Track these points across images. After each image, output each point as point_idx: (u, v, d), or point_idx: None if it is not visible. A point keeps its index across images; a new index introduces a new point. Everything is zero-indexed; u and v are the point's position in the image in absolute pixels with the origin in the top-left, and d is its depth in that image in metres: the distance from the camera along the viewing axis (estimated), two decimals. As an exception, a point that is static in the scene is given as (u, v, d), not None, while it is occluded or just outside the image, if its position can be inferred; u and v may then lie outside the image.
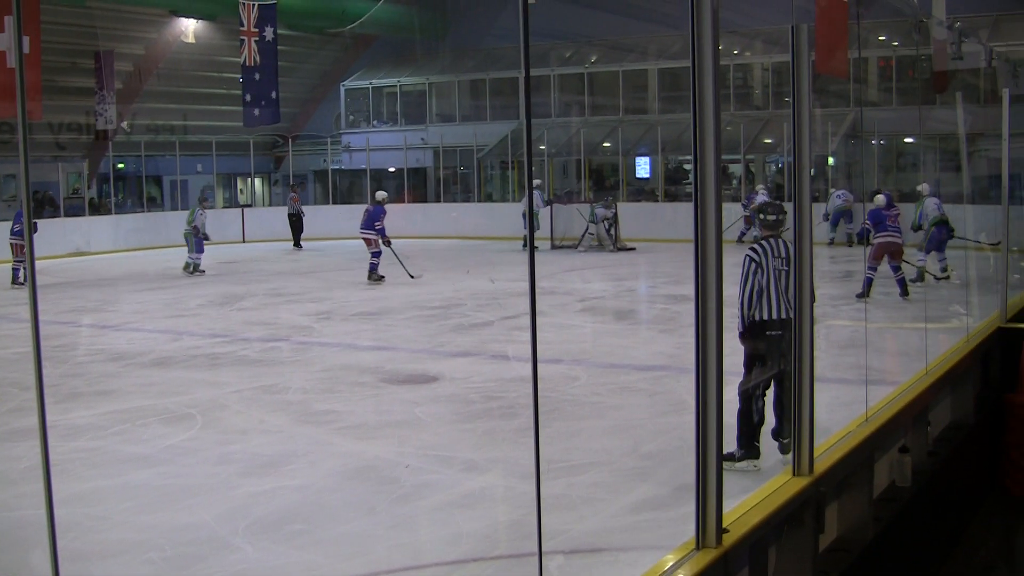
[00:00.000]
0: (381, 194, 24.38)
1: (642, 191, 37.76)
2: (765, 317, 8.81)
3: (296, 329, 17.37)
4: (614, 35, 39.20)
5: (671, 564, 5.77)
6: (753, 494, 6.78)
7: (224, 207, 41.82)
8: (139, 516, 8.24)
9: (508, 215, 33.42)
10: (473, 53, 42.67)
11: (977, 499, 12.35)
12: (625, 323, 18.16)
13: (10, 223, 25.77)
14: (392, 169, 42.30)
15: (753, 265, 8.81)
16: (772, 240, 8.94)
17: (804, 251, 7.01)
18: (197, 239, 25.85)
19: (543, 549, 5.76)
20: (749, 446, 8.82)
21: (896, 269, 17.89)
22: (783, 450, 8.74)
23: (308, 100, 46.02)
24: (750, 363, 9.01)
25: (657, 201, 36.30)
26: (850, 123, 32.82)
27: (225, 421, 11.19)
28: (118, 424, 11.03)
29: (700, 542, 5.80)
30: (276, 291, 22.17)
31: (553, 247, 30.76)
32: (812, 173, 7.25)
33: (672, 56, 37.82)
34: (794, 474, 7.07)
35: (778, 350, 8.81)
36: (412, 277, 23.00)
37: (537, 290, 5.73)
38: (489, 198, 40.60)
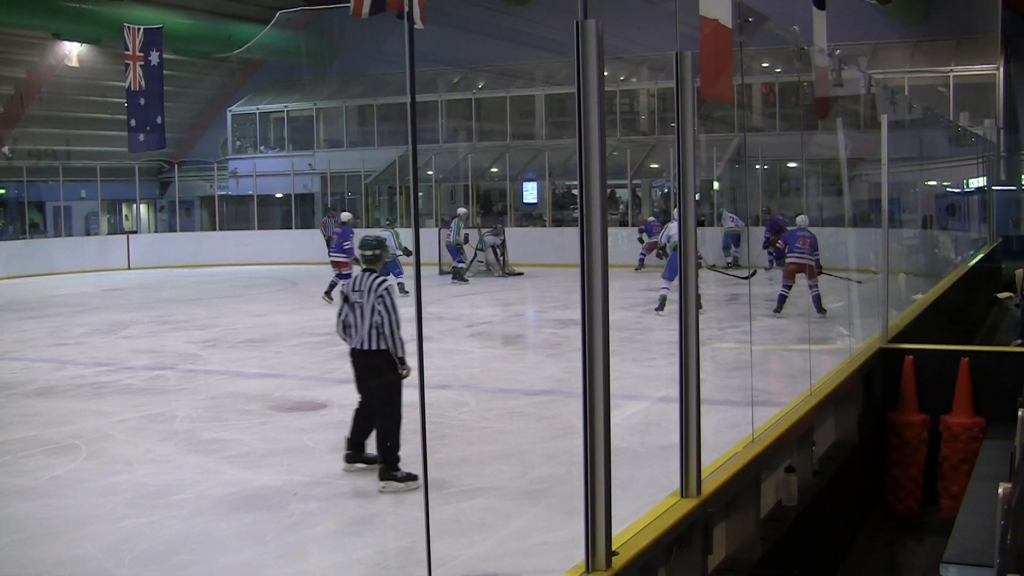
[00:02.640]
0: (347, 215, 24.27)
1: (530, 216, 37.93)
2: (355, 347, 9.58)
3: (182, 357, 17.17)
4: (501, 61, 39.43)
5: (561, 588, 5.78)
6: (642, 516, 6.81)
7: (109, 233, 41.29)
8: (23, 550, 8.07)
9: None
10: (360, 79, 42.63)
11: (861, 516, 12.55)
12: (513, 348, 18.20)
13: None
14: (279, 195, 42.07)
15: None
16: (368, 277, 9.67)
17: (689, 273, 7.07)
18: None
19: (433, 575, 5.74)
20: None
21: (813, 287, 18.82)
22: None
23: (194, 125, 45.64)
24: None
25: (545, 226, 36.50)
26: (735, 148, 33.28)
27: (110, 451, 11.01)
28: (0, 456, 10.81)
29: (590, 565, 5.82)
30: (162, 318, 21.89)
31: (441, 272, 30.75)
32: (697, 198, 7.33)
33: (559, 82, 38.11)
34: (682, 496, 7.12)
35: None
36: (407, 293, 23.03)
37: (425, 316, 5.73)
38: (377, 224, 40.53)
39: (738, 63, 9.04)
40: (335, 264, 23.25)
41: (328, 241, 33.96)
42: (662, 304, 19.42)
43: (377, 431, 9.49)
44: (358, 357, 9.58)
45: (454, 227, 29.49)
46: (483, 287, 27.17)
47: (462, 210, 31.19)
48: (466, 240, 29.30)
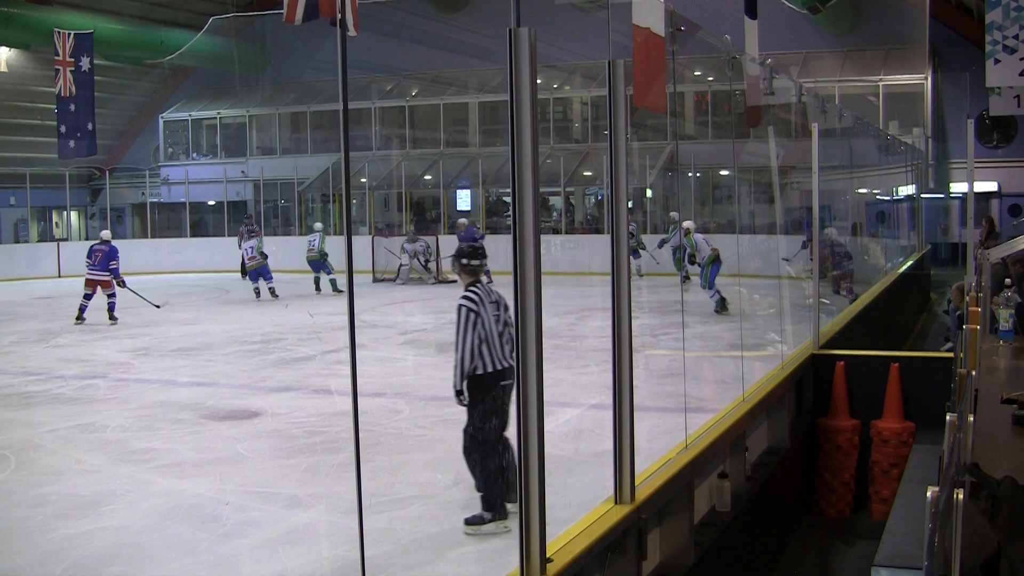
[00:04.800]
0: (107, 233, 23.55)
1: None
2: (496, 367, 8.49)
3: (113, 366, 17.02)
4: (435, 69, 39.45)
5: (496, 595, 5.79)
6: (576, 523, 6.83)
7: (39, 241, 40.85)
8: (-52, 562, 7.98)
9: (330, 247, 33.21)
10: (293, 86, 42.47)
11: (793, 521, 12.64)
12: (447, 355, 18.10)
13: None
14: (212, 202, 41.84)
15: (472, 316, 8.42)
16: (480, 287, 8.67)
17: (622, 282, 7.09)
18: None
19: (367, 584, 5.73)
20: (498, 506, 8.45)
21: None
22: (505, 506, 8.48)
23: (126, 132, 45.28)
24: (481, 417, 8.57)
25: (480, 232, 36.52)
26: (667, 156, 33.46)
27: (40, 462, 10.90)
28: (-75, 467, 10.68)
29: (524, 572, 5.82)
30: (93, 327, 21.68)
31: (375, 280, 30.70)
32: (630, 205, 7.35)
33: (492, 90, 38.19)
34: (616, 502, 7.14)
35: (505, 402, 8.54)
36: (157, 307, 22.79)
37: (358, 323, 5.72)
38: (310, 231, 40.38)
39: (671, 72, 9.08)
40: (100, 284, 22.36)
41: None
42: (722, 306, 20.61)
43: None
44: (500, 377, 8.54)
45: (315, 241, 29.76)
46: (416, 294, 27.13)
47: (318, 225, 31.71)
48: (324, 257, 29.48)
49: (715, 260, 20.99)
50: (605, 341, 7.50)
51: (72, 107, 26.64)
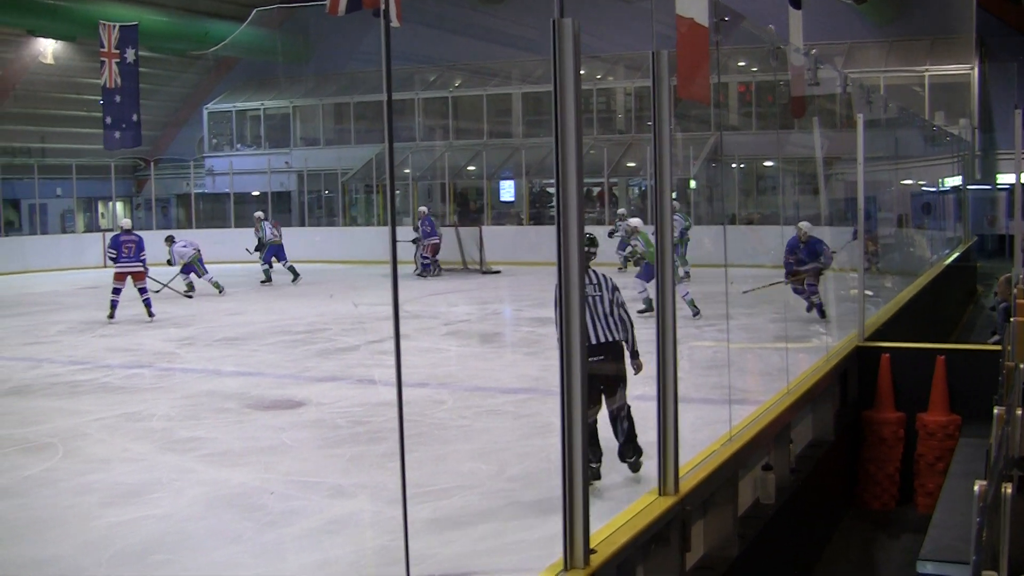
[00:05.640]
0: (127, 222, 22.78)
1: (506, 214, 37.91)
2: (592, 341, 8.90)
3: (159, 355, 17.12)
4: (478, 60, 39.40)
5: (539, 586, 5.79)
6: (620, 514, 6.82)
7: (85, 231, 41.15)
8: (-4, 549, 8.06)
9: (372, 239, 33.27)
10: (337, 77, 42.55)
11: (837, 513, 12.59)
12: (490, 346, 18.19)
13: None
14: (256, 193, 41.96)
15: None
16: (590, 271, 9.01)
17: (666, 272, 7.08)
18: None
19: (411, 574, 5.74)
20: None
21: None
22: (634, 468, 9.03)
23: (170, 123, 45.50)
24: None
25: (521, 224, 36.49)
26: (711, 147, 33.31)
27: (86, 450, 10.98)
28: (-26, 455, 10.78)
29: (568, 563, 5.82)
30: (139, 317, 21.80)
31: (416, 273, 30.79)
32: (674, 196, 7.34)
33: (535, 80, 38.12)
34: (660, 493, 7.13)
35: (602, 374, 8.94)
36: (189, 296, 22.71)
37: (402, 314, 5.73)
38: (354, 222, 40.47)
39: (714, 62, 9.05)
40: (132, 275, 21.43)
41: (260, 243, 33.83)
42: (650, 305, 19.39)
43: (629, 420, 9.23)
44: (596, 351, 8.99)
45: (266, 229, 29.73)
46: (459, 285, 27.16)
47: (259, 213, 31.48)
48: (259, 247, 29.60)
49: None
50: (649, 332, 7.49)
51: (117, 98, 26.75)
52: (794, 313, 18.35)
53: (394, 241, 6.37)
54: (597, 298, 9.00)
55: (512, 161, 37.70)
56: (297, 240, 37.24)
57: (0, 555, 7.93)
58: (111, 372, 15.64)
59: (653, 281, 19.17)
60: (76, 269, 35.41)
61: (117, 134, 26.70)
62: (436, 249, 30.06)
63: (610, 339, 9.01)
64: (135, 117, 26.92)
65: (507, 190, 38.52)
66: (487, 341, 18.72)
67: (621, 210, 30.76)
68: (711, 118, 31.27)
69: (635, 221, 20.67)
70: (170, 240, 26.26)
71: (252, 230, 31.73)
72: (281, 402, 13.07)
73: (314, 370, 15.49)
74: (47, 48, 38.20)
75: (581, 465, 5.70)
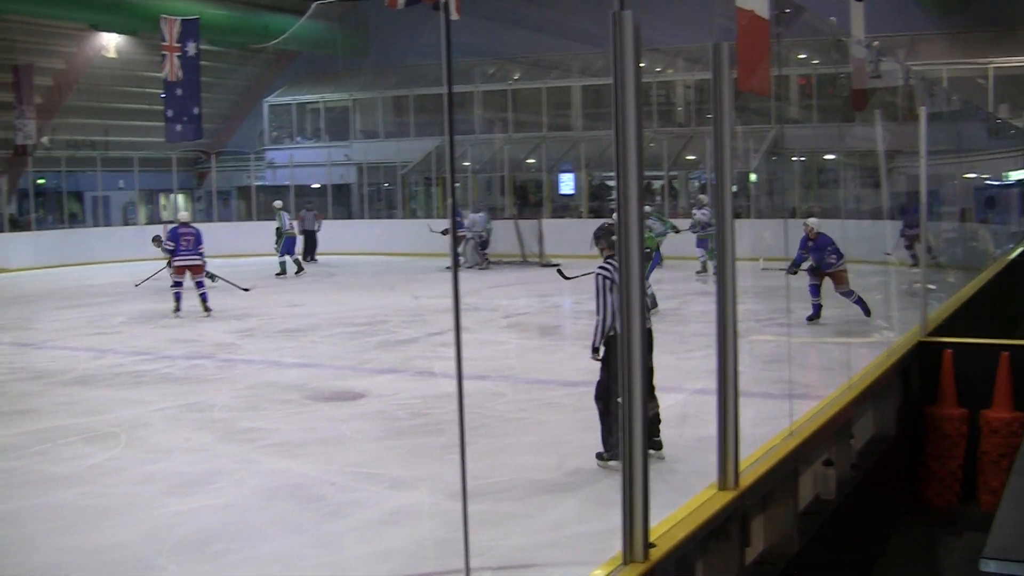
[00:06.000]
0: (185, 214, 22.70)
1: (566, 207, 37.86)
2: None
3: (220, 346, 17.25)
4: (537, 52, 39.35)
5: (598, 579, 5.77)
6: (679, 508, 6.80)
7: (147, 223, 41.50)
8: (61, 537, 8.14)
9: (432, 232, 33.29)
10: (396, 70, 42.64)
11: (899, 510, 12.49)
12: (550, 339, 18.18)
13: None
14: (316, 185, 42.16)
15: (608, 283, 9.49)
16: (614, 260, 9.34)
17: (727, 266, 7.05)
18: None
19: (470, 566, 5.75)
20: (615, 446, 9.24)
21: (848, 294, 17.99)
22: (655, 446, 9.67)
23: (230, 116, 45.80)
24: (611, 373, 9.46)
25: (581, 217, 36.42)
26: (771, 140, 33.12)
27: (149, 440, 11.09)
28: (39, 443, 10.90)
29: (627, 557, 5.81)
30: (199, 308, 21.97)
31: (468, 266, 30.82)
32: (734, 189, 7.30)
33: (595, 73, 38.04)
34: (720, 488, 7.10)
35: None
36: (247, 290, 22.60)
37: (462, 306, 5.74)
38: (413, 215, 40.57)
39: (775, 54, 8.99)
40: (190, 268, 21.31)
41: (306, 236, 34.06)
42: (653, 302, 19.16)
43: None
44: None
45: (284, 220, 30.26)
46: (518, 278, 27.17)
47: (278, 203, 32.01)
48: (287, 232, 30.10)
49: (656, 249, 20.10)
50: (709, 326, 7.46)
51: (179, 92, 27.00)
52: (855, 308, 18.19)
53: (454, 234, 6.39)
54: None
55: (571, 154, 37.66)
56: (357, 233, 37.46)
57: (65, 542, 8.02)
58: (173, 363, 15.78)
59: (652, 276, 19.18)
60: (138, 261, 35.66)
61: (178, 127, 26.96)
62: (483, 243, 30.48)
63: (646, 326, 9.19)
64: (196, 110, 27.16)
65: (566, 183, 38.48)
66: (547, 334, 18.70)
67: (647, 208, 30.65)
68: (771, 111, 31.10)
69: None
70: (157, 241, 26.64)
71: (297, 220, 32.27)
72: (341, 393, 13.14)
73: (374, 362, 15.56)
74: (110, 42, 38.54)
75: (641, 458, 5.68)
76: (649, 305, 18.76)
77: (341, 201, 42.00)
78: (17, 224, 37.37)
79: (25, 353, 17.36)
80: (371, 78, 43.34)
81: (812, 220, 17.94)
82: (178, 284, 20.99)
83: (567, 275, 18.99)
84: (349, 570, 7.43)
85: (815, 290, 17.93)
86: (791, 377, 9.80)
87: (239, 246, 35.26)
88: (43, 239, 35.07)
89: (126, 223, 41.55)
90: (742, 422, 7.15)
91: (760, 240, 26.96)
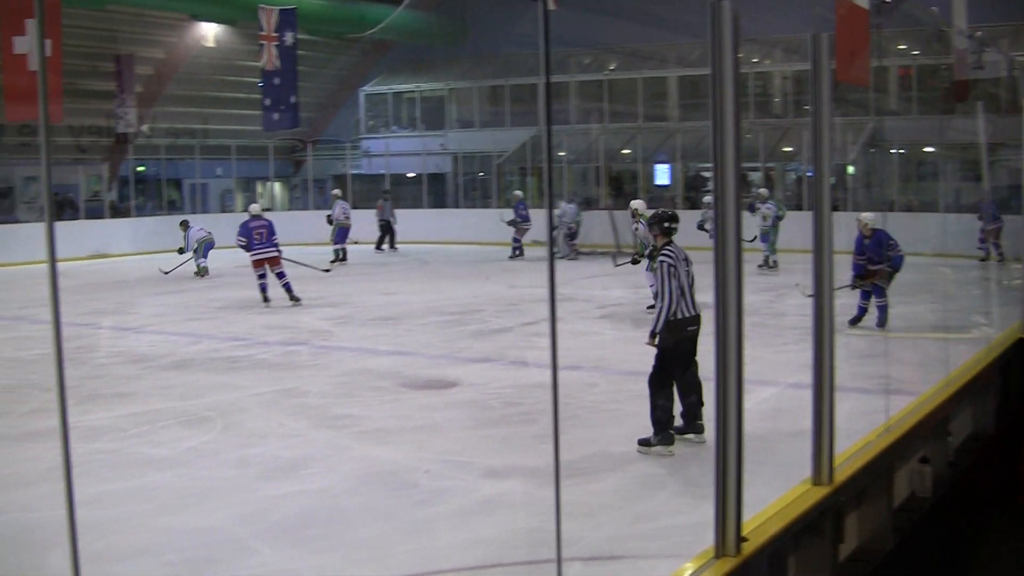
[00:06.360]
0: (255, 207, 22.41)
1: (661, 198, 37.68)
2: (686, 314, 9.79)
3: (315, 333, 17.39)
4: (633, 43, 39.18)
5: (690, 572, 5.76)
6: (772, 503, 6.76)
7: (243, 211, 41.92)
8: (158, 518, 8.26)
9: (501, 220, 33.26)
10: (492, 59, 42.64)
11: (997, 510, 12.31)
12: (644, 330, 17.97)
13: (32, 225, 26.03)
14: (411, 174, 42.31)
15: (672, 269, 9.75)
16: (674, 247, 10.08)
17: (824, 260, 6.98)
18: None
19: (561, 556, 5.75)
20: (664, 433, 9.70)
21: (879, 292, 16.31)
22: (698, 430, 9.99)
23: (327, 105, 46.08)
24: (668, 357, 9.89)
25: (676, 208, 36.23)
26: (870, 132, 32.72)
27: (244, 424, 11.22)
28: (137, 426, 11.07)
29: (719, 550, 5.79)
30: (296, 295, 22.18)
31: (560, 256, 30.76)
32: (832, 182, 7.23)
33: (691, 64, 37.81)
34: (813, 483, 7.05)
35: (692, 344, 9.92)
36: (326, 272, 22.43)
37: (556, 296, 5.74)
38: (508, 204, 40.61)
39: (875, 45, 8.90)
40: (268, 261, 20.97)
41: (385, 225, 34.40)
42: None
43: (696, 394, 10.05)
44: (688, 323, 9.88)
45: (339, 208, 30.98)
46: (613, 269, 27.06)
47: (336, 191, 32.96)
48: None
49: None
50: (804, 320, 7.40)
51: (276, 81, 27.17)
52: (954, 303, 17.96)
53: (551, 225, 6.39)
54: (686, 272, 9.89)
55: (667, 145, 37.47)
56: (452, 222, 37.58)
57: (162, 522, 8.14)
58: (268, 349, 15.95)
59: None
60: (236, 248, 36.09)
61: (276, 116, 27.14)
62: (523, 232, 30.97)
63: (697, 311, 9.89)
64: (293, 99, 27.32)
65: (662, 174, 38.27)
66: (640, 325, 18.55)
67: (707, 198, 30.34)
68: (870, 102, 30.74)
69: (637, 203, 20.25)
70: (185, 225, 26.95)
71: (375, 210, 32.70)
72: (435, 382, 13.20)
73: (467, 351, 15.60)
74: (209, 32, 38.92)
75: (735, 451, 5.66)
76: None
77: (436, 190, 42.12)
78: (117, 210, 37.96)
79: (125, 337, 17.63)
80: (467, 67, 43.39)
81: (867, 216, 16.44)
82: (262, 277, 20.87)
83: (616, 263, 18.90)
84: (440, 558, 7.46)
85: (866, 294, 16.33)
86: (887, 372, 9.67)
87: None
88: (142, 225, 35.56)
89: (223, 210, 41.98)
90: (836, 417, 7.09)
91: (855, 233, 26.64)
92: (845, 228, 24.95)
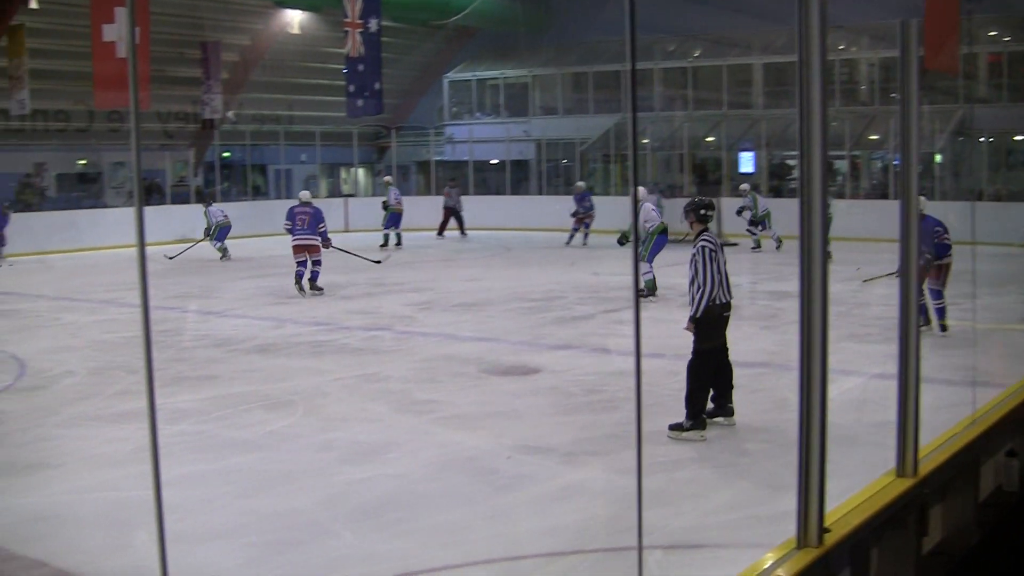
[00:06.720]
0: (306, 194, 22.14)
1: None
2: (723, 300, 10.03)
3: (397, 319, 17.47)
4: (718, 29, 38.92)
5: (771, 563, 5.73)
6: (855, 495, 6.70)
7: (328, 197, 42.25)
8: (240, 500, 8.36)
9: (611, 209, 33.16)
10: (576, 46, 42.55)
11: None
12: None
13: (120, 210, 26.50)
14: (494, 161, 42.37)
15: (712, 254, 9.90)
16: (710, 233, 10.25)
17: (911, 250, 6.90)
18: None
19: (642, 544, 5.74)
20: (699, 418, 9.87)
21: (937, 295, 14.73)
22: (728, 413, 10.27)
23: (410, 92, 46.22)
24: (706, 342, 10.11)
25: (761, 196, 35.97)
26: (958, 120, 32.30)
27: (326, 408, 11.31)
28: (221, 409, 11.19)
29: (801, 541, 5.75)
30: (378, 281, 22.29)
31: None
32: (919, 170, 7.15)
33: (777, 51, 37.49)
34: (898, 475, 6.98)
35: (724, 329, 10.28)
36: (377, 263, 22.07)
37: (639, 284, 5.72)
38: (592, 192, 40.55)
39: (964, 31, 8.78)
40: (310, 248, 20.57)
41: (452, 212, 34.58)
42: (650, 290, 18.85)
43: (726, 377, 10.35)
44: (724, 308, 10.11)
45: (392, 194, 31.37)
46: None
47: (388, 178, 33.59)
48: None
49: (662, 232, 19.33)
50: (890, 310, 7.33)
51: (360, 67, 27.25)
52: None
53: (635, 213, 6.37)
54: (722, 260, 10.03)
55: (752, 132, 37.20)
56: (535, 208, 37.56)
57: (244, 504, 8.23)
58: (351, 334, 16.04)
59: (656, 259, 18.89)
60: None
61: (360, 102, 27.24)
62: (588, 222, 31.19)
63: (731, 297, 10.19)
64: (377, 85, 27.41)
65: (746, 162, 38.00)
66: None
67: (744, 185, 30.09)
68: (959, 90, 30.33)
69: (641, 190, 20.20)
70: (207, 202, 27.52)
71: (442, 196, 32.93)
72: (516, 368, 13.21)
73: (549, 337, 15.60)
74: (294, 19, 39.20)
75: (819, 442, 5.61)
76: (645, 291, 18.61)
77: (519, 177, 42.13)
78: (203, 196, 38.41)
79: (209, 321, 17.83)
80: (551, 54, 43.34)
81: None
82: (301, 264, 20.50)
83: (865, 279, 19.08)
84: (519, 544, 7.47)
85: (934, 290, 14.57)
86: (974, 364, 9.55)
87: (416, 220, 35.68)
88: (227, 210, 35.81)
89: (308, 196, 42.35)
90: (921, 408, 7.02)
91: (944, 223, 26.31)
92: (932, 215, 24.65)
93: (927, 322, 14.33)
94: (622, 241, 20.12)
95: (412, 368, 13.26)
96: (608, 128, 39.05)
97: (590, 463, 9.18)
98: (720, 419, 10.19)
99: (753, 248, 27.97)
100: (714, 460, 9.21)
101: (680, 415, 10.00)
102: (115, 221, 30.32)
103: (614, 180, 39.74)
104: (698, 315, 9.91)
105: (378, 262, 22.66)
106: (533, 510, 8.06)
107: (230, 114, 38.49)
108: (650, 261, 18.65)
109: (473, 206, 36.58)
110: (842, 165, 35.27)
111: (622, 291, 19.44)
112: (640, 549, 5.68)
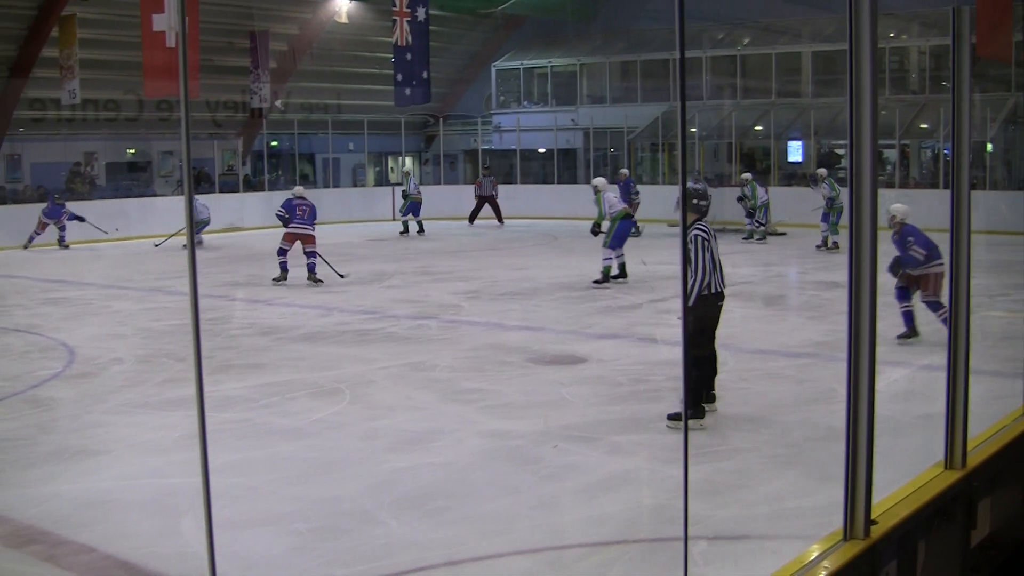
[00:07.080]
0: (300, 188, 22.07)
1: (794, 175, 37.23)
2: (717, 289, 10.02)
3: (444, 307, 17.50)
4: (767, 17, 38.71)
5: (817, 554, 5.70)
6: (902, 486, 6.65)
7: (375, 185, 42.36)
8: (287, 487, 8.39)
9: (658, 197, 33.04)
10: (624, 35, 42.44)
11: None
12: (774, 309, 17.92)
13: (169, 199, 26.73)
14: (542, 150, 42.34)
15: (705, 242, 9.88)
16: (704, 223, 10.18)
17: (961, 240, 6.84)
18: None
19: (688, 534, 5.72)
20: (697, 407, 9.83)
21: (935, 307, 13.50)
22: (709, 400, 10.16)
23: (458, 80, 46.22)
24: (699, 330, 10.00)
25: (809, 186, 35.78)
26: (1010, 109, 32.00)
27: (373, 397, 11.34)
28: (268, 397, 11.24)
29: (848, 533, 5.72)
30: (425, 269, 22.34)
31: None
32: (970, 160, 7.08)
33: (826, 39, 37.23)
34: (946, 467, 6.93)
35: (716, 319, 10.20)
36: (343, 276, 21.76)
37: (680, 275, 5.70)
38: (640, 180, 40.42)
39: (1018, 18, 8.68)
40: (302, 238, 20.70)
41: (486, 200, 34.67)
42: (605, 276, 19.43)
43: (711, 364, 10.32)
44: (718, 298, 10.11)
45: (412, 183, 31.87)
46: (743, 246, 26.84)
47: (407, 168, 34.33)
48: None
49: (624, 217, 19.36)
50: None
51: (408, 56, 27.31)
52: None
53: (684, 202, 6.34)
54: (716, 249, 10.01)
55: (800, 121, 37.00)
56: (583, 197, 37.46)
57: (289, 492, 8.27)
58: (398, 322, 16.09)
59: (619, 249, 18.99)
60: (366, 221, 36.54)
61: (407, 91, 27.30)
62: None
63: (724, 287, 10.17)
64: (425, 74, 27.47)
65: (795, 151, 37.80)
66: (770, 303, 18.43)
67: (746, 174, 29.85)
68: (1011, 78, 30.05)
69: (598, 180, 21.10)
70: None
71: (474, 186, 33.11)
72: (563, 357, 13.20)
73: (596, 326, 15.58)
74: (342, 8, 39.25)
75: (866, 433, 5.57)
76: (602, 278, 18.75)
77: (567, 166, 42.06)
78: (251, 184, 38.60)
79: (257, 309, 17.91)
80: (599, 43, 43.23)
81: (897, 207, 13.89)
82: (283, 252, 20.52)
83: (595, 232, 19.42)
84: (565, 533, 7.47)
85: (902, 294, 13.95)
86: (1024, 355, 9.46)
87: (464, 209, 35.73)
88: (275, 199, 35.81)
89: (355, 185, 42.47)
90: (971, 400, 6.96)
91: (995, 212, 26.14)
92: (983, 207, 24.49)
93: (914, 332, 13.56)
94: (595, 230, 20.27)
95: (458, 357, 13.28)
96: (656, 117, 38.92)
97: (636, 453, 9.17)
98: (702, 405, 10.17)
99: (744, 239, 28.06)
100: (760, 451, 9.16)
101: (724, 406, 9.95)
102: (164, 209, 30.49)
103: (662, 169, 39.61)
104: (690, 303, 9.74)
105: (343, 276, 22.11)
106: (578, 500, 8.05)
107: (278, 103, 38.62)
108: (613, 247, 19.20)
109: (520, 194, 36.60)
110: (892, 154, 35.00)
111: (669, 280, 19.38)
112: (686, 540, 5.67)
